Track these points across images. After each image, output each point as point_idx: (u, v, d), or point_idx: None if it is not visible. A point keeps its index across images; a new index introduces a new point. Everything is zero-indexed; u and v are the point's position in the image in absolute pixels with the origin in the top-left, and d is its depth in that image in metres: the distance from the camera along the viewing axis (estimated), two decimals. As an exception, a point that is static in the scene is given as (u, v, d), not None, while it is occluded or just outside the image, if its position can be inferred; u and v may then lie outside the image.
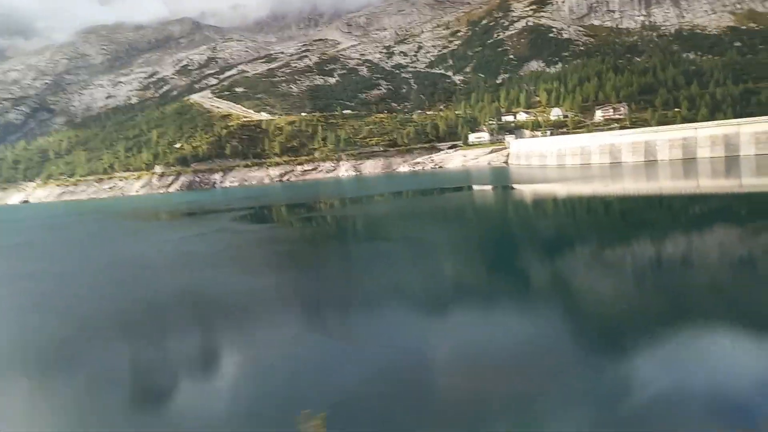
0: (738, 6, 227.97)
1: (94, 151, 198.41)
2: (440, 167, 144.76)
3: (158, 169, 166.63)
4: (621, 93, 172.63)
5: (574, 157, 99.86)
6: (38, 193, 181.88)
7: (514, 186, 79.85)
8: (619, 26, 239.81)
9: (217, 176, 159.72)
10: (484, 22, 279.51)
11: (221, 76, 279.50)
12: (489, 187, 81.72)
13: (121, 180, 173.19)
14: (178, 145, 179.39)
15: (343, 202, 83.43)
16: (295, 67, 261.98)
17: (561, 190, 67.16)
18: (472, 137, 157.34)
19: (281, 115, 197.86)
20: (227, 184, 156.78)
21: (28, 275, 37.82)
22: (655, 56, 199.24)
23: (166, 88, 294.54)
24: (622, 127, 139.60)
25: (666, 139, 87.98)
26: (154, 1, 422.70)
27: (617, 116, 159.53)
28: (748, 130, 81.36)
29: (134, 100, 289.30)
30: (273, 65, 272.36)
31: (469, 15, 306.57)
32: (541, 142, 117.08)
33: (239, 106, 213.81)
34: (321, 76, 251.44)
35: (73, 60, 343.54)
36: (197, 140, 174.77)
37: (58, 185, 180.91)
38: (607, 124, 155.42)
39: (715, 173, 69.78)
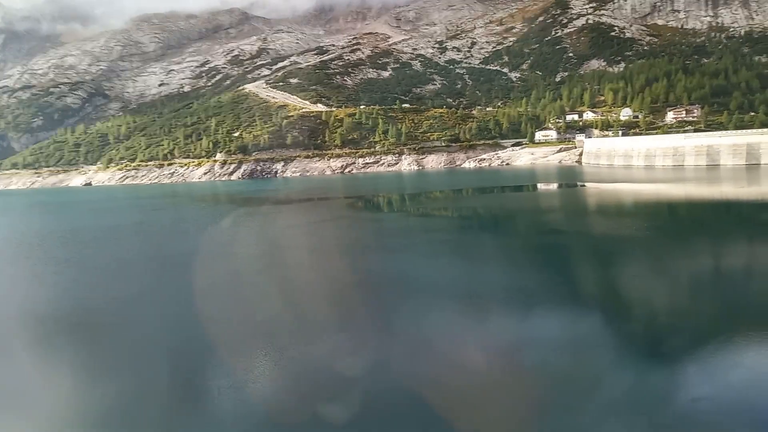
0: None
1: (153, 137, 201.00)
2: (507, 164, 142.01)
3: (220, 156, 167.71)
4: (693, 95, 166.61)
5: (666, 158, 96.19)
6: (99, 176, 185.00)
7: (617, 185, 76.82)
8: (685, 26, 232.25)
9: (278, 166, 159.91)
10: (541, 19, 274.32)
11: (273, 67, 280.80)
12: (595, 185, 78.56)
13: (181, 166, 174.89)
14: (236, 134, 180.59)
15: (455, 193, 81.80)
16: (347, 59, 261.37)
17: (676, 190, 64.31)
18: (539, 135, 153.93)
19: (337, 106, 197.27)
20: (288, 174, 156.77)
21: (230, 257, 36.42)
22: (726, 58, 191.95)
23: (218, 77, 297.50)
24: (696, 130, 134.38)
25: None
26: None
27: (690, 118, 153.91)
28: None
29: (187, 88, 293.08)
30: (325, 57, 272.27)
31: (523, 12, 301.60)
32: (624, 142, 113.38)
33: (295, 96, 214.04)
34: (374, 70, 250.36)
35: (127, 47, 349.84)
36: (257, 129, 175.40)
37: (119, 170, 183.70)
38: (680, 126, 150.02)
39: None
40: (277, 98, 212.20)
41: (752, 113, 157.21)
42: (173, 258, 36.74)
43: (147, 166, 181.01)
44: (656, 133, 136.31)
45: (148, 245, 44.36)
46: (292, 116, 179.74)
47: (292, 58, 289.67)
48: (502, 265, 30.92)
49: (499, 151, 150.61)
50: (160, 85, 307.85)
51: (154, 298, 26.16)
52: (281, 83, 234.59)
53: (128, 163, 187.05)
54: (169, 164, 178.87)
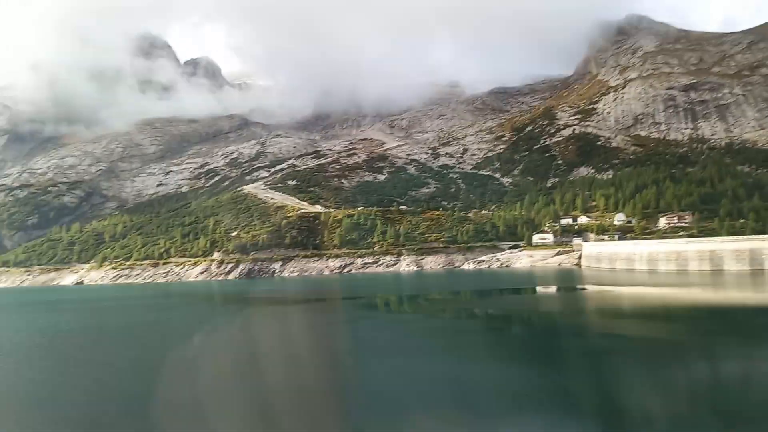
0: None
1: (150, 236, 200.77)
2: (507, 266, 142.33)
3: (217, 256, 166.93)
4: (682, 202, 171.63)
5: (669, 263, 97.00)
6: (92, 275, 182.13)
7: (633, 288, 76.70)
8: (667, 138, 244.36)
9: (276, 265, 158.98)
10: (529, 128, 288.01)
11: (272, 169, 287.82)
12: (601, 288, 78.48)
13: (177, 266, 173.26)
14: (234, 233, 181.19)
15: (464, 295, 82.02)
16: (344, 163, 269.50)
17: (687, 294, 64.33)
18: (536, 238, 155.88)
19: (335, 208, 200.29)
20: (286, 274, 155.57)
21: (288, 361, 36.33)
22: (710, 167, 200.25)
23: (216, 178, 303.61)
24: (689, 236, 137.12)
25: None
26: (208, 97, 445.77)
27: (683, 224, 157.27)
28: None
29: (185, 189, 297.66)
30: (323, 161, 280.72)
31: (512, 122, 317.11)
32: (626, 246, 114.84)
33: (293, 198, 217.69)
34: (370, 173, 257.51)
35: (128, 149, 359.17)
36: (256, 229, 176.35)
37: (113, 268, 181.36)
38: (673, 232, 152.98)
39: None
40: (276, 199, 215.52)
41: (742, 220, 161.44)
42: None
43: (142, 265, 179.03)
44: (652, 238, 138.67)
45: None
46: (291, 216, 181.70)
47: (290, 161, 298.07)
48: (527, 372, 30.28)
49: (498, 254, 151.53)
50: (158, 185, 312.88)
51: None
52: (279, 185, 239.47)
53: (122, 262, 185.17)
54: (165, 263, 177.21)
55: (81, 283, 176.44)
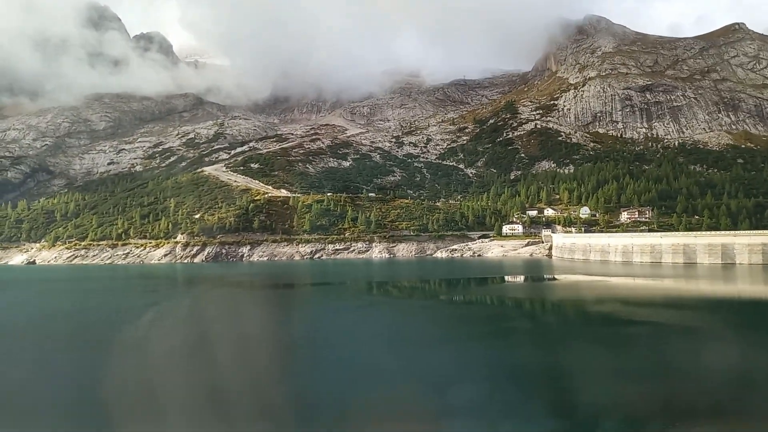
0: (733, 127, 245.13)
1: (106, 216, 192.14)
2: (479, 255, 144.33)
3: (182, 238, 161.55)
4: (642, 197, 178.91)
5: (644, 255, 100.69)
6: (44, 254, 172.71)
7: (613, 279, 79.35)
8: (624, 136, 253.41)
9: (244, 249, 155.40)
10: (492, 121, 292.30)
11: (232, 152, 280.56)
12: (576, 278, 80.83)
13: (137, 247, 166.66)
14: (198, 216, 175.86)
15: (434, 283, 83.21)
16: (308, 148, 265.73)
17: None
18: (506, 228, 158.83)
19: (302, 193, 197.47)
20: (255, 258, 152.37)
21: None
22: (665, 166, 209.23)
23: (173, 158, 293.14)
24: (650, 230, 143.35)
25: (745, 243, 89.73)
26: (161, 74, 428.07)
27: (643, 219, 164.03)
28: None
29: (139, 168, 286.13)
30: (285, 145, 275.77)
31: (474, 113, 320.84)
32: (600, 238, 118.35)
33: (257, 181, 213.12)
34: (335, 159, 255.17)
35: (75, 124, 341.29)
36: (222, 212, 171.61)
37: (67, 248, 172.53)
38: (635, 226, 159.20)
39: None
40: (239, 182, 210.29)
41: (697, 216, 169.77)
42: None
43: (99, 245, 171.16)
44: (617, 231, 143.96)
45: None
46: (258, 200, 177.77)
47: (251, 144, 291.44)
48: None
49: (470, 243, 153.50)
50: (109, 163, 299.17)
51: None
52: (242, 167, 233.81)
53: (77, 242, 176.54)
54: (124, 244, 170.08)
55: (33, 263, 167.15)
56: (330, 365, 29.39)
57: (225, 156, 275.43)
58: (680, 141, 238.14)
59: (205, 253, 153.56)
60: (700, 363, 30.18)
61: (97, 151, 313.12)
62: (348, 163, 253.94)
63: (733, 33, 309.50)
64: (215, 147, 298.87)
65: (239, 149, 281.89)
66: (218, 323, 45.90)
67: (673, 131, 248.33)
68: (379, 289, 77.07)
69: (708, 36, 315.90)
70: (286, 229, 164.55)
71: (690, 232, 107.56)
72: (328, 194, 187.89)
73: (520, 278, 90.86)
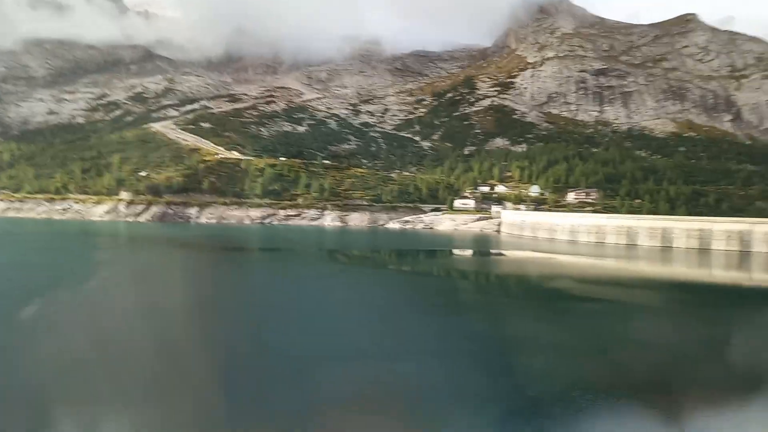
0: (678, 116, 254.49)
1: (43, 168, 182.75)
2: (431, 228, 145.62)
3: (126, 195, 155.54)
4: (589, 179, 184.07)
5: (589, 235, 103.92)
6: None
7: (562, 257, 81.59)
8: (576, 118, 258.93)
9: (192, 210, 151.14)
10: (450, 95, 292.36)
11: (182, 109, 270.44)
12: (529, 254, 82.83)
13: (77, 202, 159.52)
14: (143, 173, 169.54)
15: (384, 253, 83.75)
16: (262, 110, 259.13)
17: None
18: (458, 203, 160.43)
19: (254, 156, 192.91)
20: (204, 220, 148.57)
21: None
22: (612, 150, 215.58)
23: (118, 112, 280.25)
24: (594, 211, 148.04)
25: (683, 228, 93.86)
26: (108, 22, 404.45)
27: (589, 200, 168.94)
28: (760, 229, 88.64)
29: (81, 120, 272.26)
30: (238, 105, 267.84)
31: (432, 86, 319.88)
32: (548, 217, 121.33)
33: (208, 141, 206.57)
34: (290, 124, 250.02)
35: (12, 69, 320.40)
36: (170, 171, 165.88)
37: (0, 200, 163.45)
38: (581, 207, 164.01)
39: (728, 266, 75.95)
40: (188, 141, 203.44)
41: (638, 200, 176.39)
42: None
43: (35, 198, 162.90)
44: (564, 211, 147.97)
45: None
46: (209, 161, 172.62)
47: (202, 102, 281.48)
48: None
49: (422, 215, 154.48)
50: (48, 113, 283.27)
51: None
52: (192, 126, 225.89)
53: (11, 194, 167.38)
54: (63, 199, 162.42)
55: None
56: (269, 331, 29.02)
57: (174, 113, 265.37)
58: (629, 126, 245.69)
59: (151, 212, 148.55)
60: (641, 337, 31.46)
61: (36, 99, 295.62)
62: (303, 128, 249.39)
63: (686, 23, 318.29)
64: (164, 103, 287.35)
65: (189, 107, 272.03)
66: (168, 286, 44.60)
67: (622, 116, 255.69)
68: (330, 258, 77.29)
69: (662, 24, 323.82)
70: (237, 192, 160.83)
71: (634, 216, 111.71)
72: (282, 159, 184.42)
73: (469, 252, 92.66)
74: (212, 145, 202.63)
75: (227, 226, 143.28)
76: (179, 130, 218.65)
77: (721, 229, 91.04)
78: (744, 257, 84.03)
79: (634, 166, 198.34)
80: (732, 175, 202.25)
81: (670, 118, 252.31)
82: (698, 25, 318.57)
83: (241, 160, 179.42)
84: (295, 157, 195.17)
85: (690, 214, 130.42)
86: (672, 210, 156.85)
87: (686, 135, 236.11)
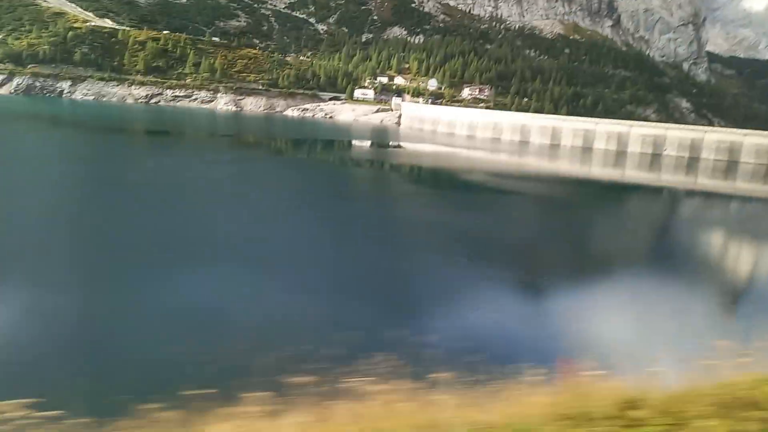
0: (566, 17, 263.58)
1: None
2: (331, 118, 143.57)
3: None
4: (483, 76, 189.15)
5: (486, 131, 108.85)
6: None
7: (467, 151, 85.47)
8: (472, 12, 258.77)
9: (64, 84, 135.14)
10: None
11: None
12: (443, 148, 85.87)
13: None
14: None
15: (280, 141, 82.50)
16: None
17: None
18: (358, 93, 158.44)
19: (130, 26, 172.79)
20: (79, 96, 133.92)
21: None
22: (505, 47, 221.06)
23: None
24: (486, 108, 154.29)
25: (571, 128, 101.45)
26: None
27: (482, 96, 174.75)
28: (636, 131, 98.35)
29: None
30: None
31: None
32: (449, 111, 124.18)
33: (74, 5, 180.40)
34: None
35: None
36: (33, 37, 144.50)
37: None
38: (475, 102, 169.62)
39: (605, 163, 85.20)
40: (51, 2, 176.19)
41: (526, 99, 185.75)
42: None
43: None
44: (459, 106, 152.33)
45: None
46: (79, 29, 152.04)
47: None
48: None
49: (322, 104, 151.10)
50: None
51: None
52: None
53: None
54: None
55: None
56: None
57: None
58: (521, 24, 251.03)
59: (14, 84, 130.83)
60: (538, 226, 34.94)
61: None
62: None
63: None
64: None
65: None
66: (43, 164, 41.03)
67: (515, 14, 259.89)
68: (222, 143, 74.68)
69: None
70: (116, 67, 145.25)
71: (527, 114, 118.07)
72: (165, 32, 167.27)
73: (368, 143, 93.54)
74: (80, 9, 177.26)
75: (107, 104, 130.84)
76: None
77: (603, 130, 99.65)
78: (620, 156, 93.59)
79: (523, 65, 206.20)
80: (608, 79, 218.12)
81: (559, 19, 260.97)
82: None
83: (118, 30, 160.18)
84: (179, 32, 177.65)
85: (570, 114, 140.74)
86: (555, 110, 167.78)
87: (572, 38, 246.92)
